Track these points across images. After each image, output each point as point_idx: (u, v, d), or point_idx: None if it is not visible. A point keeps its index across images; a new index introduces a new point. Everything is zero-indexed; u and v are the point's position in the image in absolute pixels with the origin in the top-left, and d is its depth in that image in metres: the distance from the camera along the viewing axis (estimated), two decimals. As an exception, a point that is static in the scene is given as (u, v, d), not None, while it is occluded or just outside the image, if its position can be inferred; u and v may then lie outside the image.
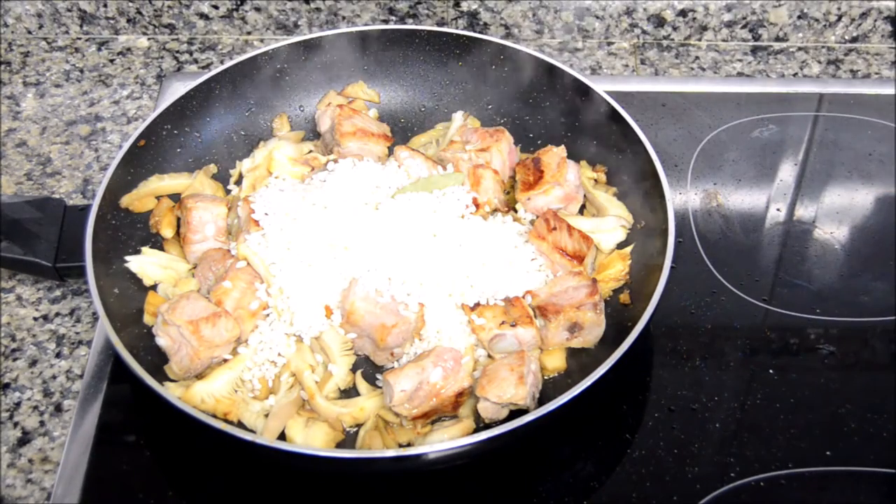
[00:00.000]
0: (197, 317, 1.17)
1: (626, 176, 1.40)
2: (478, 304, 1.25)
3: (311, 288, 1.24)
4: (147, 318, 1.25)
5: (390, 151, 1.44)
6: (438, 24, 1.78)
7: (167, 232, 1.36)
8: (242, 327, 1.21)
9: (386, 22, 1.79)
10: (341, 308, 1.23)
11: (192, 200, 1.33)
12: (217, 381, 1.18)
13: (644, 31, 1.79)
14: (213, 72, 1.47)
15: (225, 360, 1.21)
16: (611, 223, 1.36)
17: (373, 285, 1.22)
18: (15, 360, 1.32)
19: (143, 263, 1.30)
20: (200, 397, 1.16)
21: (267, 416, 1.18)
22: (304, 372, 1.21)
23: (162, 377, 1.19)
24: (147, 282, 1.30)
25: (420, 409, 1.16)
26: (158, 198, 1.39)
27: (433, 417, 1.18)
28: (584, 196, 1.42)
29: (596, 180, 1.44)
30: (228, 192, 1.45)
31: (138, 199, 1.37)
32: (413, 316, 1.22)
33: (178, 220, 1.37)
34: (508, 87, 1.53)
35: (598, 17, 1.77)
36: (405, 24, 1.78)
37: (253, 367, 1.21)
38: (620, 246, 1.35)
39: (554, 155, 1.39)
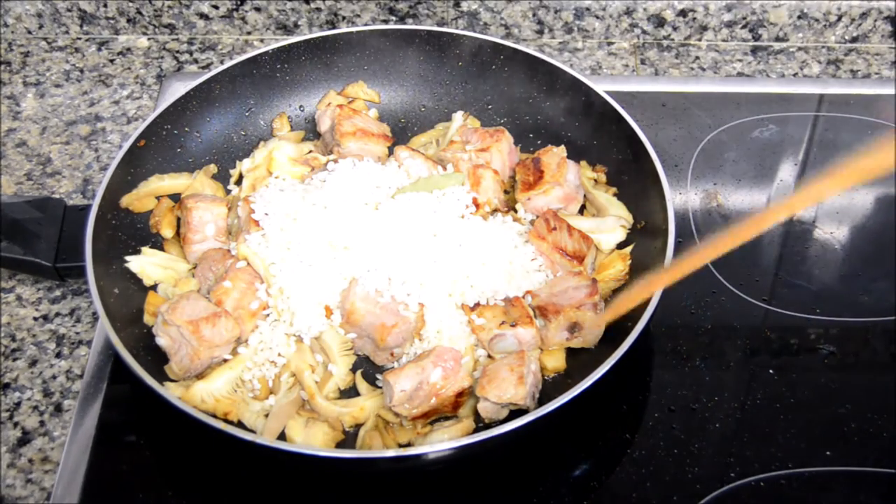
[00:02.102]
0: (197, 317, 1.17)
1: (626, 176, 1.40)
2: (478, 304, 1.25)
3: (311, 288, 1.24)
4: (147, 318, 1.25)
5: (391, 151, 1.44)
6: (438, 24, 1.78)
7: (167, 232, 1.36)
8: (242, 327, 1.21)
9: (386, 22, 1.79)
10: (341, 308, 1.23)
11: (192, 200, 1.33)
12: (217, 381, 1.18)
13: (644, 31, 1.79)
14: (213, 72, 1.47)
15: (225, 361, 1.21)
16: (610, 223, 1.36)
17: (373, 285, 1.22)
18: (15, 360, 1.32)
19: (143, 263, 1.30)
20: (200, 397, 1.16)
21: (267, 416, 1.18)
22: (304, 372, 1.20)
23: (162, 377, 1.19)
24: (147, 282, 1.30)
25: (420, 409, 1.16)
26: (158, 198, 1.39)
27: (433, 417, 1.18)
28: (584, 196, 1.42)
29: (596, 180, 1.44)
30: (228, 192, 1.45)
31: (138, 199, 1.37)
32: (413, 316, 1.22)
33: (178, 220, 1.37)
34: (508, 87, 1.53)
35: (598, 17, 1.77)
36: (405, 24, 1.78)
37: (253, 367, 1.21)
38: (620, 246, 1.35)
39: (554, 155, 1.39)
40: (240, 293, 1.22)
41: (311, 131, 1.54)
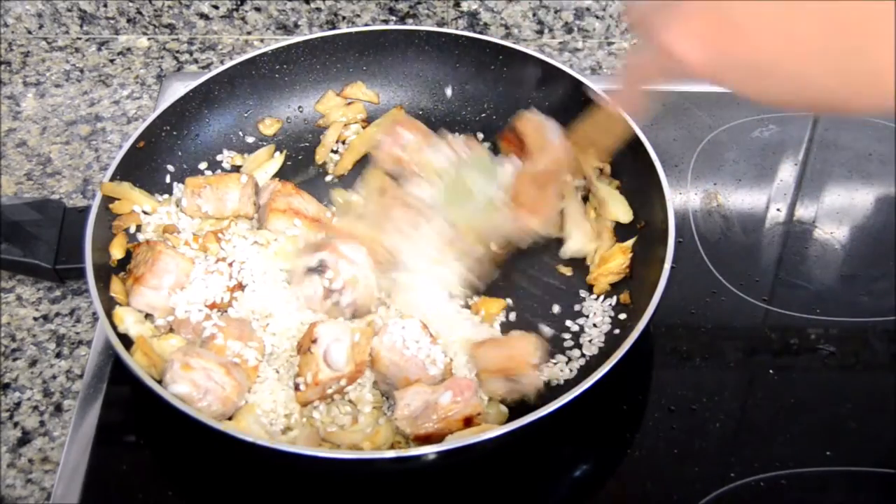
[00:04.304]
0: (223, 360, 1.14)
1: (626, 176, 1.40)
2: None
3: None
4: (138, 358, 1.17)
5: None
6: (438, 24, 1.78)
7: (116, 252, 1.29)
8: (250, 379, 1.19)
9: (386, 22, 1.79)
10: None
11: (163, 245, 1.26)
12: (243, 423, 1.15)
13: (644, 31, 1.79)
14: (213, 72, 1.47)
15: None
16: (577, 240, 1.37)
17: (400, 336, 1.18)
18: (15, 360, 1.32)
19: (129, 324, 1.22)
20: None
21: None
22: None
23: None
24: (133, 336, 1.23)
25: (424, 429, 1.12)
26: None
27: (440, 440, 1.14)
28: (587, 187, 1.42)
29: (602, 170, 1.43)
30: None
31: (118, 193, 1.32)
32: (439, 372, 1.18)
33: (129, 252, 1.30)
34: (508, 87, 1.53)
35: (598, 17, 1.77)
36: (405, 24, 1.78)
37: (263, 414, 1.18)
38: (622, 240, 1.35)
39: (527, 120, 1.36)
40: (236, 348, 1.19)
41: (308, 132, 1.54)
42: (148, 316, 1.25)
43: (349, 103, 1.54)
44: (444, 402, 1.12)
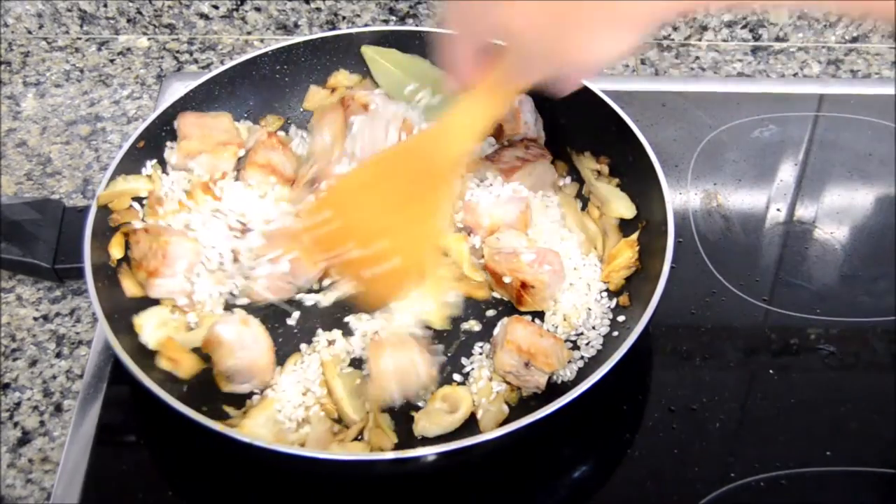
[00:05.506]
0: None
1: (625, 176, 1.40)
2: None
3: None
4: (163, 363, 1.19)
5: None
6: (438, 25, 1.78)
7: (116, 252, 1.28)
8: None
9: (386, 22, 1.79)
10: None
11: (165, 233, 1.26)
12: (258, 419, 1.16)
13: (644, 31, 1.79)
14: (214, 72, 1.46)
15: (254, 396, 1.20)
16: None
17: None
18: (15, 360, 1.32)
19: (154, 336, 1.22)
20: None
21: (303, 445, 1.16)
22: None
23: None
24: (155, 345, 1.22)
25: (494, 264, 1.26)
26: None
27: (497, 287, 1.29)
28: (588, 188, 1.42)
29: (599, 172, 1.43)
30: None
31: (112, 197, 1.31)
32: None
33: (127, 243, 1.30)
34: (508, 87, 1.53)
35: (598, 17, 1.76)
36: (405, 24, 1.78)
37: (282, 409, 1.19)
38: (626, 234, 1.35)
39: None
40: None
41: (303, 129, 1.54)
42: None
43: (332, 91, 1.53)
44: (525, 259, 1.24)
